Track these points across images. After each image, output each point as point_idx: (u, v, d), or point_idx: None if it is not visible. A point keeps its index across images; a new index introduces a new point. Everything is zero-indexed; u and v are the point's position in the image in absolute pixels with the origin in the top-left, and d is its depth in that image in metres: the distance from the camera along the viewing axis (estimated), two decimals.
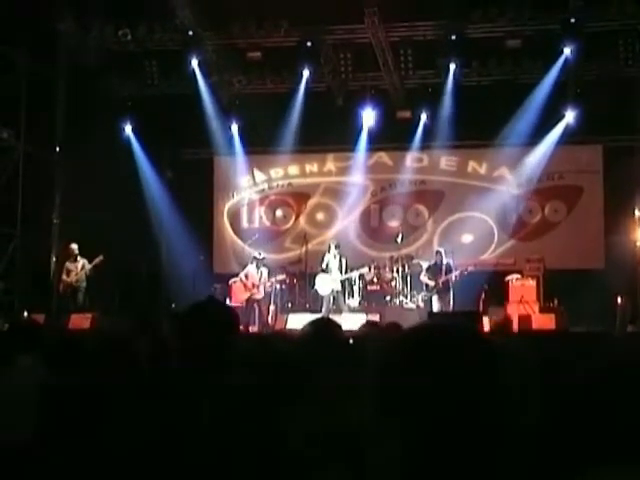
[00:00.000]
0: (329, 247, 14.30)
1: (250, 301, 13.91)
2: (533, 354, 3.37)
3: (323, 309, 13.77)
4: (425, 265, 14.38)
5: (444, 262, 13.88)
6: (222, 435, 2.32)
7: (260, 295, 14.02)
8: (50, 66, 14.72)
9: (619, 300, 13.28)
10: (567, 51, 14.29)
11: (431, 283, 13.87)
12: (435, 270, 13.93)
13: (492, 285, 14.12)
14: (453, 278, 13.81)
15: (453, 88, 15.27)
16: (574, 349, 3.53)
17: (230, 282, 14.56)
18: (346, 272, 14.06)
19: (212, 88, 15.92)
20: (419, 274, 14.32)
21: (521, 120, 15.00)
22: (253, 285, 14.02)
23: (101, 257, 13.70)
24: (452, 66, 14.95)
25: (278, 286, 14.69)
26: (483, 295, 13.88)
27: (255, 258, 14.30)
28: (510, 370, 1.50)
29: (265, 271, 14.19)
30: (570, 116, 15.32)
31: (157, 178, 16.32)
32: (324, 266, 13.96)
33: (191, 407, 2.41)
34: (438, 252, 14.18)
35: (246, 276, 14.15)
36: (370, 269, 14.57)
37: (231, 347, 2.73)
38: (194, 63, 15.14)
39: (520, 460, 1.41)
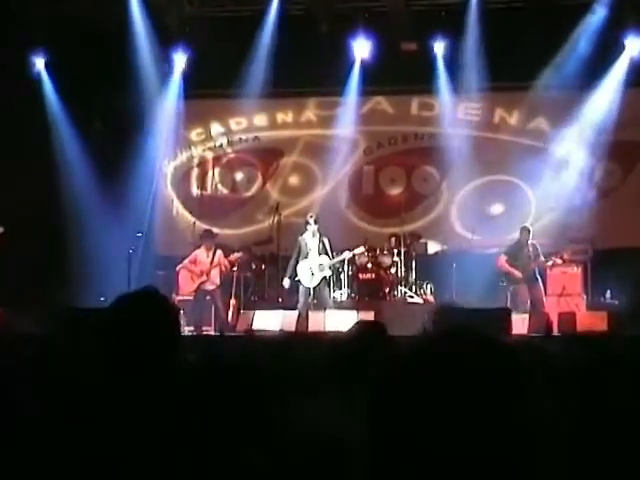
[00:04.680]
0: (306, 223, 13.51)
1: (200, 292, 13.48)
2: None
3: (300, 304, 13.26)
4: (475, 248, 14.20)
5: (530, 243, 13.32)
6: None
7: (212, 285, 13.53)
8: None
9: None
10: None
11: (517, 273, 13.18)
12: (522, 255, 13.28)
13: None
14: (549, 263, 13.42)
15: (475, 11, 14.90)
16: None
17: (177, 268, 14.07)
18: (333, 256, 13.38)
19: (155, 11, 15.16)
20: (426, 257, 14.44)
21: (566, 54, 14.63)
22: (202, 272, 13.53)
23: (1, 228, 13.48)
24: None
25: (239, 273, 14.34)
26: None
27: (204, 236, 13.85)
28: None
29: (219, 253, 13.64)
30: (633, 46, 14.74)
31: (80, 130, 15.63)
32: (301, 249, 13.45)
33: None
34: (524, 230, 13.53)
35: (194, 260, 13.68)
36: (363, 250, 13.95)
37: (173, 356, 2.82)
38: None
39: None
